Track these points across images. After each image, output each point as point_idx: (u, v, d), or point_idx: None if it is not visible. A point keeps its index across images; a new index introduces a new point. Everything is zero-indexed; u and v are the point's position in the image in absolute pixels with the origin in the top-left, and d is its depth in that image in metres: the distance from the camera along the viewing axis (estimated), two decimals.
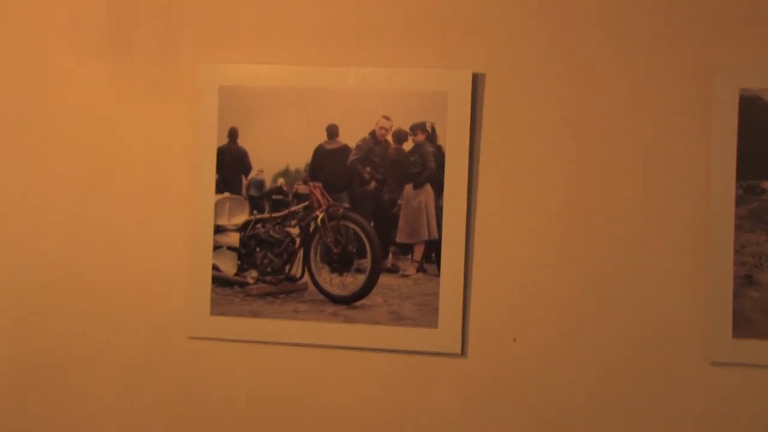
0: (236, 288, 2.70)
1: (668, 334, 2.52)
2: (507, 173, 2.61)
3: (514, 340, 2.61)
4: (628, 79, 2.57)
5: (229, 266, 2.72)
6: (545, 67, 2.60)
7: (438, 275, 2.59)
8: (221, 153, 2.70)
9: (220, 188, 2.71)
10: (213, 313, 2.71)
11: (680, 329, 2.53)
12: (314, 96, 2.66)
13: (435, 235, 2.60)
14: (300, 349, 2.69)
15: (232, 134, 2.70)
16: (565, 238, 2.58)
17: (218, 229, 2.71)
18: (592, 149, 2.58)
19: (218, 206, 2.70)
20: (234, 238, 2.71)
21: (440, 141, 2.60)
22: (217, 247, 2.70)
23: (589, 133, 2.58)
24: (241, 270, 2.71)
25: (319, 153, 2.67)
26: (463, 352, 2.61)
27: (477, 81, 2.59)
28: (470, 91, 2.58)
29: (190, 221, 2.72)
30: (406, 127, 2.62)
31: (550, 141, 2.60)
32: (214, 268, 2.70)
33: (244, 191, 2.69)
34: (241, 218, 2.71)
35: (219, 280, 2.71)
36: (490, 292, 2.61)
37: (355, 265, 2.64)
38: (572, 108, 2.59)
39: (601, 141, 2.58)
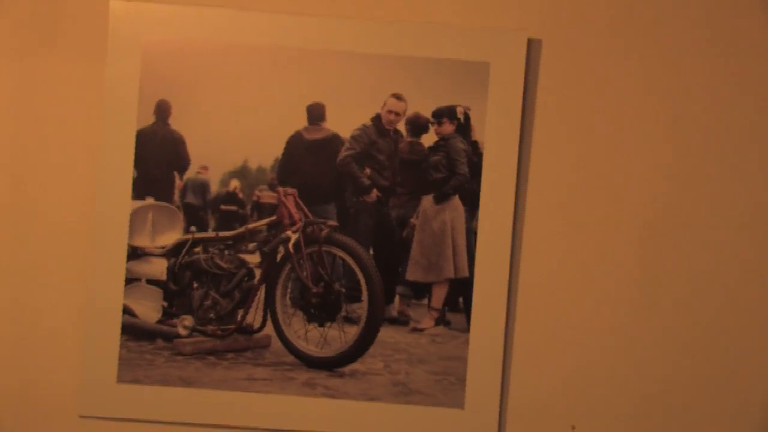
0: (160, 342, 2.20)
1: None
2: (572, 183, 2.17)
3: (573, 428, 2.16)
4: (734, 45, 2.16)
5: (149, 309, 2.20)
6: (623, 30, 2.16)
7: (467, 331, 2.16)
8: (143, 138, 2.18)
9: (139, 191, 2.18)
10: (122, 379, 2.16)
11: None
12: (290, 60, 2.16)
13: (465, 272, 2.17)
14: None
15: (161, 111, 2.17)
16: (650, 280, 2.16)
17: (134, 253, 2.19)
18: (694, 149, 2.16)
19: (135, 218, 2.18)
20: (159, 267, 2.21)
21: (476, 135, 2.16)
22: (131, 280, 2.19)
23: (688, 126, 2.16)
24: (168, 315, 2.21)
25: (295, 145, 2.17)
26: None
27: (531, 49, 2.15)
28: (524, 62, 2.14)
29: (87, 240, 2.18)
30: (427, 113, 2.17)
31: (633, 138, 2.16)
32: (126, 311, 2.18)
33: (176, 197, 2.20)
34: (171, 237, 2.21)
35: (133, 330, 2.19)
36: (542, 357, 2.17)
37: (343, 312, 2.19)
38: (664, 88, 2.16)
39: (706, 137, 2.16)
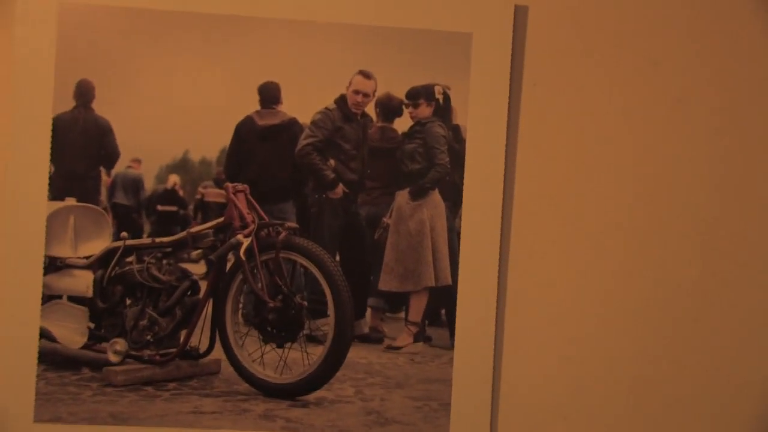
0: (86, 372, 2.08)
1: None
2: (567, 174, 2.06)
3: None
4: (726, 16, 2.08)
5: (72, 332, 2.11)
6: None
7: (451, 348, 2.06)
8: (61, 126, 2.04)
9: (58, 190, 2.05)
10: (39, 418, 2.01)
11: None
12: (239, 31, 2.04)
13: (447, 280, 2.08)
14: None
15: (83, 93, 2.04)
16: (650, 283, 2.07)
17: (53, 265, 2.08)
18: (699, 128, 2.06)
19: (53, 223, 2.05)
20: (83, 281, 2.12)
21: (458, 118, 2.08)
22: (50, 298, 2.07)
23: (692, 100, 2.07)
24: (95, 339, 2.12)
25: (246, 132, 2.09)
26: None
27: (518, 17, 2.05)
28: (511, 33, 2.04)
29: None
30: (401, 94, 2.09)
31: (636, 120, 2.06)
32: (43, 335, 2.04)
33: (104, 196, 2.10)
34: (97, 245, 2.12)
35: (53, 358, 2.06)
36: (537, 378, 2.06)
37: (306, 330, 2.10)
38: (667, 59, 2.06)
39: (709, 113, 2.07)
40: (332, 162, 2.09)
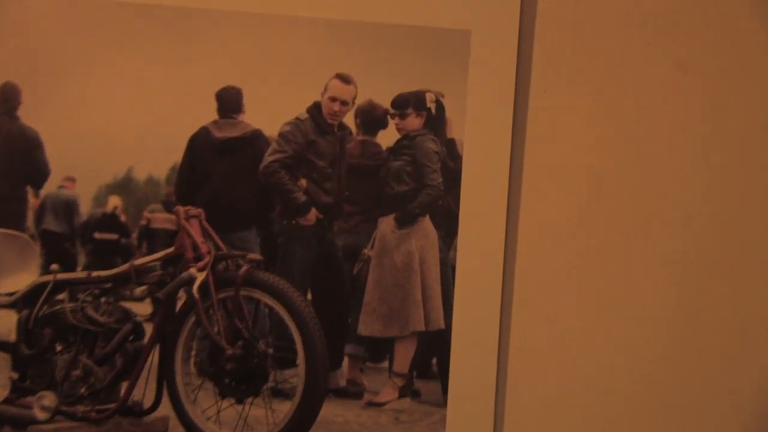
0: (7, 430, 1.94)
1: None
2: (581, 197, 1.90)
3: None
4: None
5: None
6: None
7: (443, 405, 1.91)
8: None
9: None
10: None
11: None
12: (194, 27, 1.88)
13: (439, 323, 1.99)
14: None
15: (7, 99, 1.90)
16: (673, 325, 1.91)
17: None
18: (730, 134, 1.93)
19: None
20: (5, 323, 1.99)
21: (452, 131, 1.99)
22: None
23: (724, 105, 1.94)
24: (20, 391, 1.96)
25: (201, 147, 1.97)
26: None
27: (525, 13, 1.93)
28: (516, 31, 1.90)
29: None
30: (386, 102, 1.99)
31: (660, 127, 1.92)
32: None
33: (30, 222, 1.97)
34: (22, 279, 1.98)
35: None
36: None
37: (271, 383, 1.97)
38: (692, 60, 1.92)
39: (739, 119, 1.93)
40: (303, 182, 2.00)
